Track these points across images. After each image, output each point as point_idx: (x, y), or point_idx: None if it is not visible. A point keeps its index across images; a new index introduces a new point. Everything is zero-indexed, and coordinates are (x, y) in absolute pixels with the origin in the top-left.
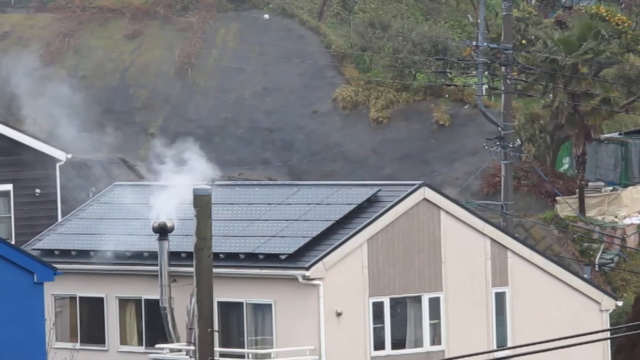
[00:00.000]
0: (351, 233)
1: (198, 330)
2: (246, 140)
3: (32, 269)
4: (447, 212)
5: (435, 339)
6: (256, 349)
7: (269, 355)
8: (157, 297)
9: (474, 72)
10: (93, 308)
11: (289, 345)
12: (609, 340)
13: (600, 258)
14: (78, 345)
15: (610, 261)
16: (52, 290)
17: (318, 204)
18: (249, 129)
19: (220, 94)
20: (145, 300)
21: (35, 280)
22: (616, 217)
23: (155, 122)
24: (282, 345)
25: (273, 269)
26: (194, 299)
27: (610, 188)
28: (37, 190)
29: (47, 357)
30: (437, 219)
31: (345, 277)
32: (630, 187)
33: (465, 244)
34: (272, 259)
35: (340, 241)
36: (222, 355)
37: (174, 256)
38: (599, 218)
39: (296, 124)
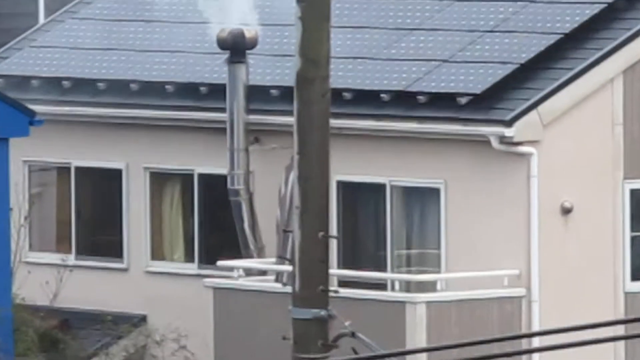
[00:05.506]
0: (591, 60)
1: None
2: None
3: None
4: None
5: None
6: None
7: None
8: (222, 171)
9: None
10: (105, 187)
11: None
12: None
13: None
14: (72, 261)
15: None
16: (25, 154)
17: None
18: None
19: None
20: (200, 175)
21: None
22: None
23: None
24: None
25: (442, 123)
26: (292, 175)
27: None
28: None
29: (12, 275)
30: None
31: (579, 143)
32: None
33: None
34: (440, 102)
35: (570, 74)
36: (342, 283)
37: (258, 93)
38: None
39: None
